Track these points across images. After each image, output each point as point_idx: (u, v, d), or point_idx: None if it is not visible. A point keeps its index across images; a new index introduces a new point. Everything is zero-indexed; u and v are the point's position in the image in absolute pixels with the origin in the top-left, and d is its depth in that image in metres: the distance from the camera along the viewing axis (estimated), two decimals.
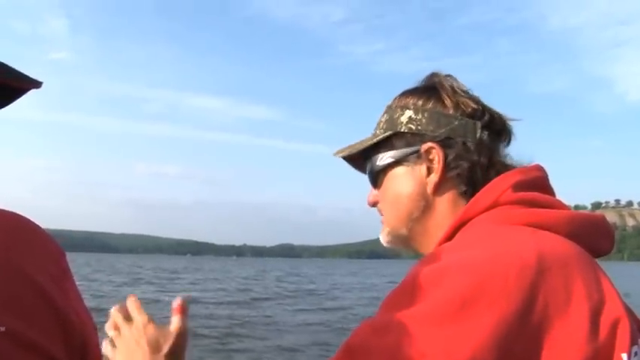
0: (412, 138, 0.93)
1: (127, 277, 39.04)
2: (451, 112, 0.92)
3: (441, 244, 0.86)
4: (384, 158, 0.96)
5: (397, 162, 0.94)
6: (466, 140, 0.90)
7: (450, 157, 0.90)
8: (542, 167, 0.90)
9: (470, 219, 0.85)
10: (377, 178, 0.98)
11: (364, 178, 1.01)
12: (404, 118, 0.94)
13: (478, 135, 0.90)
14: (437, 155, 0.90)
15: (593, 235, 0.83)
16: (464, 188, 0.90)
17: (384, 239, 1.00)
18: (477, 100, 0.94)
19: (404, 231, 0.96)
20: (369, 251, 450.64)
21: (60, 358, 0.67)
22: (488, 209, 0.83)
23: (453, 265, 0.70)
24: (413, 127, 0.93)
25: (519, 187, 0.84)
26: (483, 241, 0.76)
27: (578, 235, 0.80)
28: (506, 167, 0.91)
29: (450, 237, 0.85)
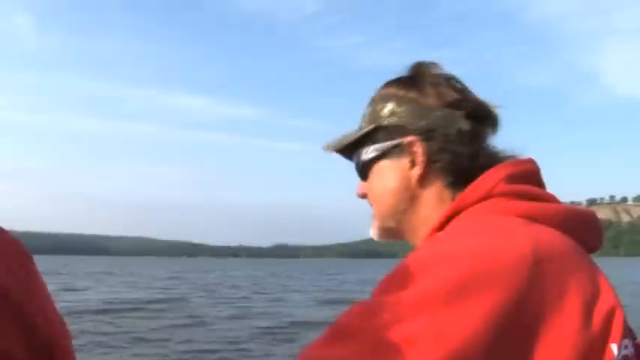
0: (394, 131, 0.93)
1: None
2: (432, 102, 0.91)
3: (432, 234, 0.86)
4: (368, 152, 0.96)
5: (381, 155, 0.94)
6: (448, 131, 0.89)
7: (432, 150, 0.89)
8: (534, 160, 0.90)
9: (462, 210, 0.84)
10: (363, 171, 0.99)
11: (359, 179, 1.01)
12: (386, 111, 0.94)
13: (460, 125, 0.89)
14: (418, 148, 0.90)
15: (584, 230, 0.84)
16: (450, 179, 0.90)
17: (373, 234, 1.01)
18: (458, 89, 0.93)
19: (392, 224, 0.96)
20: (364, 250, 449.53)
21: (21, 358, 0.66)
22: (480, 200, 0.83)
23: (448, 252, 0.70)
24: (394, 120, 0.93)
25: (512, 179, 0.84)
26: (478, 230, 0.76)
27: (570, 229, 0.81)
28: (494, 156, 0.90)
29: (441, 227, 0.85)
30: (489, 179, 0.84)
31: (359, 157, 0.98)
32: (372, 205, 1.00)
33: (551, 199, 0.85)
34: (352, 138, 0.98)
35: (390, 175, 0.94)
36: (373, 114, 0.96)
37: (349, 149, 1.00)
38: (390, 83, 0.97)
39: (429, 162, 0.90)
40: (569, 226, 0.81)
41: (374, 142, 0.95)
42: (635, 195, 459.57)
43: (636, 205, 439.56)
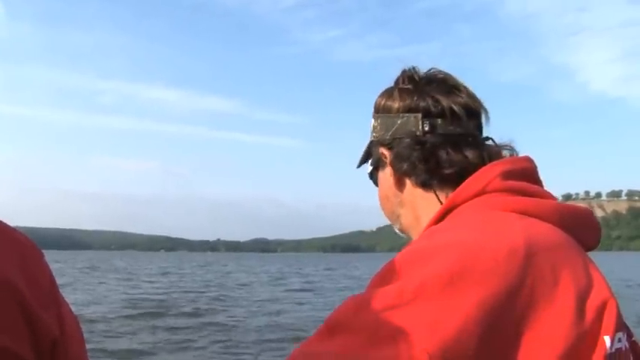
0: (376, 145, 1.01)
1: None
2: (395, 109, 0.97)
3: (427, 229, 0.87)
4: (368, 167, 1.07)
5: (375, 168, 1.04)
6: (406, 136, 0.94)
7: (392, 158, 0.97)
8: (531, 159, 0.91)
9: (457, 206, 0.85)
10: (374, 182, 1.07)
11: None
12: (371, 127, 1.02)
13: (417, 128, 0.93)
14: (387, 158, 0.98)
15: (580, 227, 0.84)
16: (417, 180, 0.95)
17: (399, 233, 1.06)
18: (418, 90, 0.96)
19: (397, 226, 1.03)
20: (343, 245, 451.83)
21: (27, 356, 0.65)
22: (475, 196, 0.84)
23: (441, 244, 0.71)
24: (375, 135, 1.01)
25: (507, 175, 0.85)
26: (471, 223, 0.77)
27: (566, 226, 0.81)
28: (469, 147, 0.92)
29: (436, 223, 0.87)
30: (484, 175, 0.85)
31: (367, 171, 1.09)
32: None
33: (547, 196, 0.86)
34: (362, 156, 1.09)
35: (383, 184, 1.02)
36: (370, 129, 1.05)
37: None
38: (379, 95, 1.04)
39: (395, 169, 0.97)
40: (565, 224, 0.81)
41: (370, 157, 1.06)
42: (608, 190, 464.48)
43: (610, 201, 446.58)
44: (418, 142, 0.93)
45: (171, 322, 14.32)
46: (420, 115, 0.93)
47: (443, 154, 0.91)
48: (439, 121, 0.93)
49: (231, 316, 15.56)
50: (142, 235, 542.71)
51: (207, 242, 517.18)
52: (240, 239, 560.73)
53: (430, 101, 0.94)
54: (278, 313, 16.54)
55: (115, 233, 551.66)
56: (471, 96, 0.96)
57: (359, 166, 1.10)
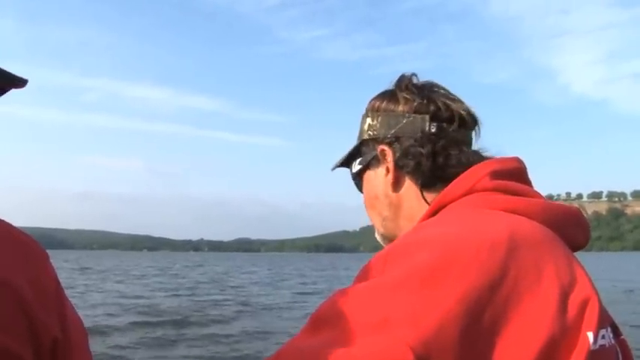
0: (372, 143, 1.00)
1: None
2: (400, 110, 0.98)
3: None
4: (355, 166, 1.05)
5: (365, 168, 1.03)
6: (414, 135, 0.95)
7: (397, 155, 0.96)
8: (520, 159, 0.92)
9: (446, 204, 0.87)
10: (356, 184, 1.08)
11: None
12: (366, 126, 1.02)
13: (425, 128, 0.94)
14: (388, 156, 0.97)
15: (568, 226, 0.85)
16: (420, 181, 0.95)
17: (379, 240, 1.06)
18: (424, 94, 0.98)
19: (382, 230, 1.03)
20: (326, 245, 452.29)
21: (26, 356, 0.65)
22: (464, 195, 0.86)
23: (425, 238, 0.72)
24: (372, 133, 1.00)
25: (496, 175, 0.86)
26: (456, 219, 0.78)
27: (553, 225, 0.82)
28: (472, 155, 0.94)
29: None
30: (474, 175, 0.87)
31: (350, 171, 1.08)
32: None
33: (535, 195, 0.87)
34: (344, 157, 1.08)
35: (373, 184, 1.02)
36: (360, 130, 1.05)
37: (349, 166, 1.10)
38: (373, 97, 1.04)
39: (397, 167, 0.96)
40: (553, 222, 0.82)
41: (359, 156, 1.04)
42: (589, 192, 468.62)
43: (590, 202, 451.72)
44: (427, 139, 0.94)
45: (175, 328, 13.71)
46: (427, 117, 0.95)
47: (450, 155, 0.93)
48: (445, 125, 0.95)
49: (237, 321, 15.07)
50: (124, 235, 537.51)
51: (190, 242, 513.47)
52: (224, 239, 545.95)
53: (440, 104, 0.96)
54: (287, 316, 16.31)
55: (96, 233, 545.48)
56: (470, 108, 0.99)
57: (335, 167, 1.11)
